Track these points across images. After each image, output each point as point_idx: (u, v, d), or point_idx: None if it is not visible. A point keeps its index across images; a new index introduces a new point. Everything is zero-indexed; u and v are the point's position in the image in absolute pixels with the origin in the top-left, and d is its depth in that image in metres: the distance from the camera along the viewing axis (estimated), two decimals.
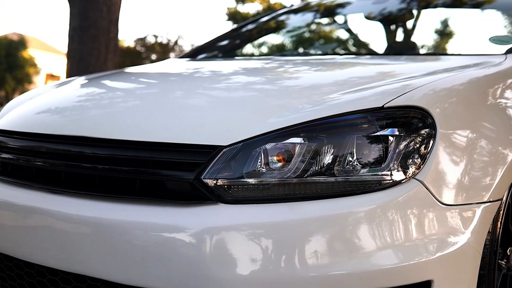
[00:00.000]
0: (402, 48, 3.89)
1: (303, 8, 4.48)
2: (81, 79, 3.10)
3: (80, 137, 2.03)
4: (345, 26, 4.48)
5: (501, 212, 1.98)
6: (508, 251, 2.16)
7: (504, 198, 1.99)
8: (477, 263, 1.85)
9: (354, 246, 1.69)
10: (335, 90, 2.13)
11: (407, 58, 3.22)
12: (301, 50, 4.41)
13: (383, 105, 1.85)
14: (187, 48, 29.88)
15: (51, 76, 43.93)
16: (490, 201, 1.89)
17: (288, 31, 4.46)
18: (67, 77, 8.43)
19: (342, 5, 4.41)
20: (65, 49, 9.87)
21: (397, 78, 2.21)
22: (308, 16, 4.52)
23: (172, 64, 3.51)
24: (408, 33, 4.20)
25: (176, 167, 1.83)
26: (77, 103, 2.50)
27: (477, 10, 3.89)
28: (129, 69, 3.36)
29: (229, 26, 30.50)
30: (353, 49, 4.52)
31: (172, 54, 29.20)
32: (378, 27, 4.22)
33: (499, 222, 1.97)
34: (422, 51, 3.95)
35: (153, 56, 29.33)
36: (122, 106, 2.33)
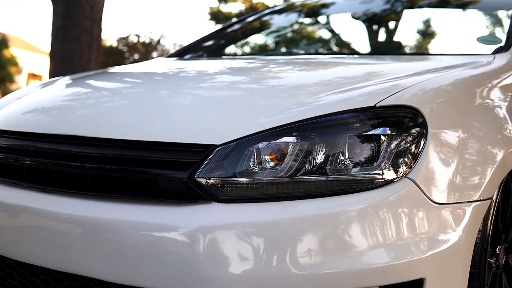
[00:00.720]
0: (390, 48, 3.91)
1: (292, 8, 4.49)
2: (71, 78, 3.09)
3: (73, 136, 2.03)
4: (333, 26, 4.48)
5: (492, 210, 1.99)
6: (497, 250, 2.17)
7: (494, 197, 2.01)
8: (468, 262, 1.86)
9: (346, 245, 1.69)
10: (326, 89, 2.13)
11: (396, 58, 3.24)
12: (292, 50, 4.41)
13: (375, 105, 1.86)
14: (170, 48, 29.79)
15: (33, 76, 43.66)
16: (480, 200, 1.90)
17: (279, 31, 4.46)
18: (50, 77, 8.40)
19: (328, 5, 4.41)
20: (47, 48, 9.83)
21: (388, 78, 2.22)
22: (297, 16, 4.52)
23: (161, 64, 3.50)
24: (397, 33, 4.22)
25: (169, 166, 1.83)
26: (68, 102, 2.49)
27: (467, 11, 3.92)
28: (118, 69, 3.35)
29: (212, 25, 30.46)
30: (342, 49, 4.52)
31: (154, 54, 29.11)
32: (368, 27, 4.23)
33: (489, 221, 1.99)
34: (411, 51, 3.97)
35: (136, 56, 29.19)
36: (114, 105, 2.32)
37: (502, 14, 3.63)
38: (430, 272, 1.75)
